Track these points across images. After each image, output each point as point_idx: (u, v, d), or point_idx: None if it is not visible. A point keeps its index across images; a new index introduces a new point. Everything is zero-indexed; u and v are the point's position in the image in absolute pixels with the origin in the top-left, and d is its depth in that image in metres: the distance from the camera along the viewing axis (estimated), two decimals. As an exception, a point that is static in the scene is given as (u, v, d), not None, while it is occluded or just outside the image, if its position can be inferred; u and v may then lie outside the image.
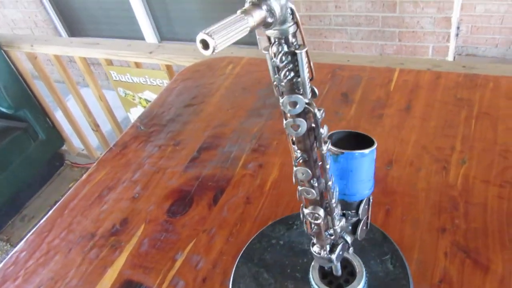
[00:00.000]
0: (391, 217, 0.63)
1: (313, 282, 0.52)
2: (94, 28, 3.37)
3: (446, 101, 0.80)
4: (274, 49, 0.33)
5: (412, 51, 1.79)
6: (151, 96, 1.38)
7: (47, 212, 0.79)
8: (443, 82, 0.84)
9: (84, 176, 0.84)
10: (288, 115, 0.38)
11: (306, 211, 0.45)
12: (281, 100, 0.37)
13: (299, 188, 0.43)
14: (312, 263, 0.54)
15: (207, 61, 1.09)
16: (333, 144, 0.43)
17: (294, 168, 0.42)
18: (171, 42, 3.03)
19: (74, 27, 3.54)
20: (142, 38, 3.10)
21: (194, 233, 0.68)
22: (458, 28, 2.02)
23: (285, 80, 0.35)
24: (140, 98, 1.39)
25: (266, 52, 0.34)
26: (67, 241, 0.72)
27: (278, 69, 0.34)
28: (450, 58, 1.90)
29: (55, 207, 0.78)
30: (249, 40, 2.53)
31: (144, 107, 1.42)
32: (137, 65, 1.32)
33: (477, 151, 0.69)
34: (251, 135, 0.83)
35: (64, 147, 1.98)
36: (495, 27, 2.07)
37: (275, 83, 0.35)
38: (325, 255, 0.48)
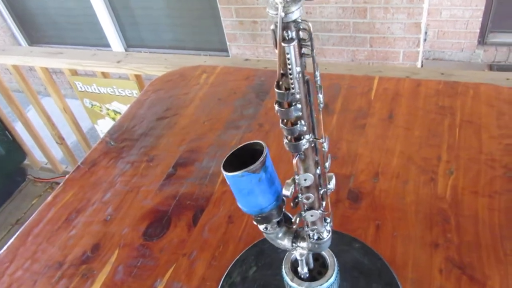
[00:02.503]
0: (382, 233, 0.60)
1: (286, 277, 0.49)
2: (56, 35, 3.23)
3: (428, 109, 0.78)
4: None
5: (384, 57, 1.80)
6: (120, 107, 1.32)
7: (9, 237, 0.72)
8: (424, 90, 0.83)
9: (49, 198, 0.77)
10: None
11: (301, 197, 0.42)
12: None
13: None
14: (285, 257, 0.51)
15: (179, 70, 1.05)
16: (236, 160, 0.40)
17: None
18: (137, 49, 2.95)
19: (34, 34, 3.38)
20: (108, 45, 3.00)
21: (173, 257, 0.63)
22: (426, 33, 2.06)
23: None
24: (108, 109, 1.32)
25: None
26: (31, 272, 0.65)
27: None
28: (419, 63, 1.93)
29: (16, 234, 0.71)
30: (220, 47, 2.49)
31: (113, 118, 1.36)
32: (104, 75, 1.26)
33: (463, 160, 0.68)
34: (230, 148, 0.79)
35: (26, 161, 1.88)
36: (461, 31, 2.12)
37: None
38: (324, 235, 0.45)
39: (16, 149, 1.74)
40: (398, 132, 0.75)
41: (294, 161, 0.37)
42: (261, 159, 0.38)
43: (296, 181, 0.39)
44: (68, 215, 0.73)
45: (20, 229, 0.72)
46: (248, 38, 2.06)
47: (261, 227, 0.45)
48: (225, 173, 0.38)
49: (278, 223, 0.45)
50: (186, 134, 0.85)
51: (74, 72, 1.32)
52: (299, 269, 0.50)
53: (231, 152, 0.39)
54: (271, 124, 0.83)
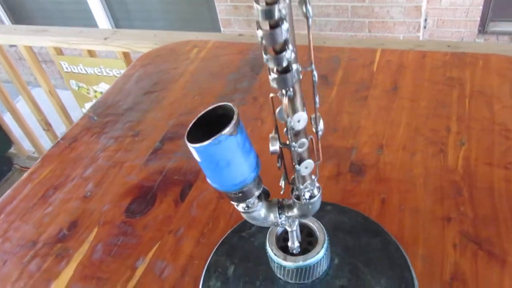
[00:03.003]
0: (388, 207, 0.55)
1: (277, 259, 0.44)
2: (41, 15, 3.10)
3: (435, 80, 0.73)
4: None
5: (383, 43, 1.75)
6: (107, 88, 1.25)
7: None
8: (430, 61, 0.78)
9: (25, 174, 0.71)
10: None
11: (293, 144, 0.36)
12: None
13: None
14: (267, 238, 0.45)
15: (169, 45, 0.98)
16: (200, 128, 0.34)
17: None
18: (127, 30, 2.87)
19: (19, 15, 3.26)
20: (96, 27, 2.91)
21: (158, 235, 0.57)
22: (425, 20, 2.01)
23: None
24: (96, 91, 1.26)
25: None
26: (1, 251, 0.59)
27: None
28: (418, 51, 1.88)
29: (-14, 211, 0.65)
30: (212, 26, 2.41)
31: (101, 102, 1.29)
32: (91, 53, 1.19)
33: (475, 131, 0.63)
34: (222, 122, 0.73)
35: (12, 150, 1.80)
36: (461, 20, 2.07)
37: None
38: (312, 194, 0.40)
39: (1, 138, 1.67)
40: (403, 104, 0.70)
41: (285, 100, 0.32)
42: (235, 117, 0.32)
43: (289, 124, 0.33)
44: (45, 191, 0.67)
45: (-8, 207, 0.66)
46: (243, 24, 1.99)
47: (241, 206, 0.39)
48: (194, 146, 0.31)
49: (259, 197, 0.39)
50: (175, 108, 0.79)
51: (60, 52, 1.26)
52: (289, 244, 0.44)
53: (192, 123, 0.33)
54: (266, 97, 0.77)
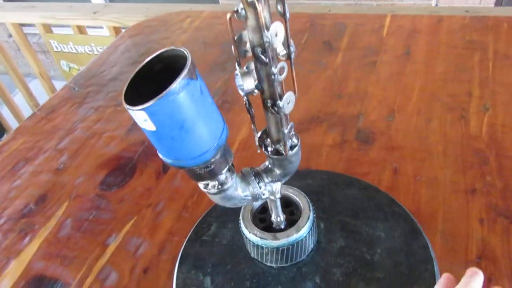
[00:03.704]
0: (401, 178, 0.47)
1: (243, 227, 0.36)
2: None
3: (453, 44, 0.65)
4: None
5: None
6: (100, 69, 1.18)
7: None
8: (446, 25, 0.70)
9: (-5, 146, 0.64)
10: None
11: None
12: None
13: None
14: (242, 210, 0.38)
15: (160, 16, 0.91)
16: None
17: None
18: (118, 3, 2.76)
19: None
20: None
21: (134, 209, 0.50)
22: None
23: None
24: (87, 72, 1.18)
25: None
26: (-41, 227, 0.52)
27: None
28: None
29: None
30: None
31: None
32: (81, 30, 1.12)
33: (500, 96, 0.55)
34: (214, 90, 0.65)
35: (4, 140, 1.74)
36: None
37: None
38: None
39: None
40: (417, 68, 0.62)
41: (259, 7, 0.24)
42: (189, 59, 0.25)
43: (266, 39, 0.25)
44: (14, 164, 0.60)
45: (-45, 181, 0.59)
46: None
47: (212, 185, 0.31)
48: (143, 107, 0.23)
49: (230, 170, 0.31)
50: (163, 77, 0.71)
51: (49, 29, 1.19)
52: (273, 219, 0.36)
53: (128, 82, 0.25)
54: (264, 64, 0.69)
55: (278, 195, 0.35)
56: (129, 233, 0.47)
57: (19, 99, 1.99)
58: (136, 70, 0.26)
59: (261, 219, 0.38)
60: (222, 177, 0.30)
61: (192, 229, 0.43)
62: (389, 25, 0.72)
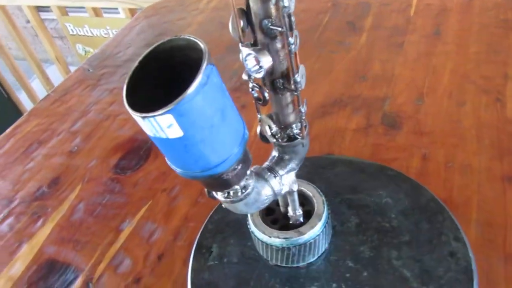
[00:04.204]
0: (431, 164, 0.44)
1: (261, 234, 0.33)
2: None
3: (486, 23, 0.61)
4: None
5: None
6: (115, 52, 1.17)
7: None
8: (478, 3, 0.66)
9: (9, 129, 0.63)
10: None
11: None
12: None
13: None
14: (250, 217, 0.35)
15: (177, -3, 0.89)
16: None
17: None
18: None
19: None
20: None
21: (149, 193, 0.48)
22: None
23: None
24: (103, 56, 1.17)
25: None
26: (-28, 210, 0.51)
27: None
28: None
29: (-42, 164, 0.57)
30: None
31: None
32: (96, 13, 1.11)
33: (539, 77, 0.51)
34: (231, 72, 0.63)
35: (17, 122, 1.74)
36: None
37: None
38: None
39: (11, 109, 1.61)
40: (447, 49, 0.58)
41: None
42: (202, 43, 0.21)
43: (283, 4, 0.23)
44: (27, 146, 0.59)
45: (-32, 162, 0.58)
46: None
47: (236, 191, 0.27)
48: (166, 109, 0.19)
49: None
50: (179, 59, 0.69)
51: (64, 12, 1.18)
52: (290, 211, 0.33)
53: (128, 80, 0.22)
54: (284, 45, 0.66)
55: (296, 186, 0.32)
56: (143, 218, 0.45)
57: (36, 84, 2.01)
58: (130, 73, 0.22)
59: (272, 220, 0.35)
60: (246, 180, 0.27)
61: (192, 256, 0.39)
62: (416, 3, 0.68)
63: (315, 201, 0.34)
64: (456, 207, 0.39)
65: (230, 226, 0.40)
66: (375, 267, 0.34)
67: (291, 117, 0.30)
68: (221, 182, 0.25)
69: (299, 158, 0.32)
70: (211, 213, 0.42)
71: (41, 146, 0.58)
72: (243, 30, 0.25)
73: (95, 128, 0.59)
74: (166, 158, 0.25)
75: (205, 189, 0.29)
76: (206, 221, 0.41)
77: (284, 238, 0.32)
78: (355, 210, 0.39)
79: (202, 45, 0.21)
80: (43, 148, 0.58)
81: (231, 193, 0.27)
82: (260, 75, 0.25)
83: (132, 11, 1.02)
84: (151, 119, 0.20)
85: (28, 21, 2.79)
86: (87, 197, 0.49)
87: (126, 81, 0.22)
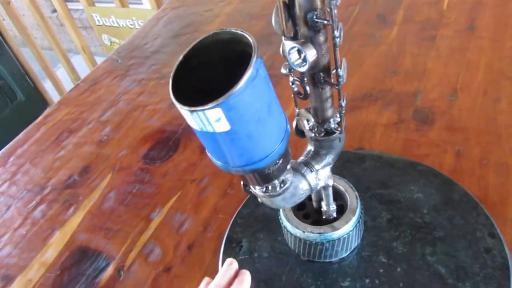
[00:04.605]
0: (465, 161, 0.43)
1: (295, 230, 0.33)
2: None
3: (523, 17, 0.59)
4: None
5: None
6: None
7: None
8: (515, -3, 0.64)
9: (40, 117, 0.64)
10: None
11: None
12: None
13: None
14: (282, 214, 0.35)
15: (204, -12, 0.88)
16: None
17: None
18: None
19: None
20: None
21: (179, 184, 0.48)
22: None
23: None
24: (128, 46, 1.18)
25: None
26: (6, 195, 0.52)
27: None
28: None
29: (-8, 151, 0.58)
30: None
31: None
32: (122, 3, 1.12)
33: None
34: (259, 64, 0.63)
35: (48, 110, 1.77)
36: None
37: None
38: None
39: (36, 97, 1.64)
40: (482, 44, 0.56)
41: None
42: (250, 36, 0.21)
43: None
44: (58, 135, 0.60)
45: (1, 150, 0.60)
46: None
47: (274, 185, 0.27)
48: (216, 103, 0.19)
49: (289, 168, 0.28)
50: (207, 50, 0.69)
51: (91, 2, 1.19)
52: (323, 206, 0.33)
53: (173, 74, 0.22)
54: (312, 38, 0.66)
55: (331, 181, 0.32)
56: (173, 208, 0.45)
57: (61, 73, 2.03)
58: (175, 67, 0.23)
59: (304, 215, 0.34)
60: (283, 175, 0.27)
61: (222, 249, 0.39)
62: (450, -3, 0.67)
63: (348, 196, 0.34)
64: (492, 205, 0.38)
65: (259, 220, 0.40)
66: (408, 263, 0.34)
67: (330, 112, 0.30)
68: (262, 177, 0.25)
69: (335, 153, 0.31)
70: (240, 207, 0.42)
71: (71, 135, 0.59)
72: (286, 24, 0.25)
73: (125, 118, 0.59)
74: (208, 152, 0.25)
75: (242, 183, 0.29)
76: (235, 215, 0.42)
77: (318, 233, 0.32)
78: (386, 205, 0.39)
79: (250, 39, 0.21)
80: (74, 137, 0.59)
81: (270, 187, 0.27)
82: (304, 69, 0.25)
83: (158, 2, 1.02)
84: (200, 113, 0.20)
85: (53, 11, 2.82)
86: (117, 186, 0.50)
87: (172, 74, 0.22)
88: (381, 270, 0.33)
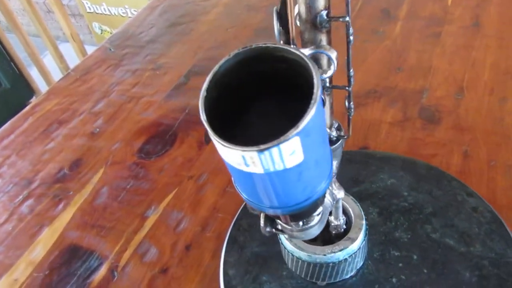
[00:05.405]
0: (472, 162, 0.42)
1: (298, 252, 0.30)
2: None
3: (529, 16, 0.58)
4: None
5: None
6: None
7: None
8: (520, -5, 0.62)
9: (28, 107, 0.61)
10: None
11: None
12: None
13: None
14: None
15: (200, -23, 0.86)
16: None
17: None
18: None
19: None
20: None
21: (175, 180, 0.46)
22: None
23: None
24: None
25: None
26: (-8, 189, 0.50)
27: None
28: None
29: (-22, 141, 0.55)
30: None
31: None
32: (115, -9, 1.08)
33: None
34: (259, 57, 0.61)
35: (34, 100, 1.73)
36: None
37: None
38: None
39: (22, 85, 1.59)
40: (488, 42, 0.55)
41: None
42: (310, 64, 0.18)
43: None
44: (47, 126, 0.57)
45: (-13, 140, 0.57)
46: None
47: (314, 219, 0.25)
48: (295, 132, 0.16)
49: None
50: (204, 41, 0.67)
51: (82, -11, 1.15)
52: (332, 221, 0.31)
53: (206, 89, 0.19)
54: (314, 31, 0.64)
55: (342, 192, 0.30)
56: (169, 206, 0.43)
57: (48, 61, 1.98)
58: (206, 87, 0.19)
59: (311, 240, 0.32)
60: (320, 210, 0.25)
61: (224, 252, 0.37)
62: (454, -7, 0.65)
63: (347, 206, 0.32)
64: (500, 208, 0.37)
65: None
66: (420, 247, 0.34)
67: (329, 120, 0.27)
68: (313, 207, 0.22)
69: (338, 159, 0.29)
70: (240, 208, 0.40)
71: (61, 126, 0.56)
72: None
73: (118, 110, 0.57)
74: (249, 199, 0.22)
75: (262, 224, 0.26)
76: (236, 216, 0.40)
77: (340, 251, 0.29)
78: (368, 201, 0.38)
79: (309, 62, 0.18)
80: (64, 129, 0.56)
81: (309, 220, 0.25)
82: (330, 73, 0.23)
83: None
84: (274, 149, 0.16)
85: (40, -3, 2.75)
86: (110, 181, 0.47)
87: (202, 103, 0.19)
88: (400, 265, 0.32)
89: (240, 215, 0.39)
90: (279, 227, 0.26)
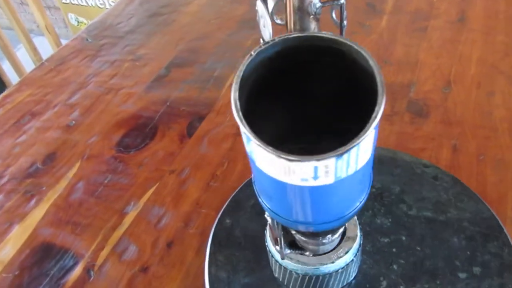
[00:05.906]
0: (462, 156, 0.41)
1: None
2: None
3: (513, 12, 0.58)
4: None
5: None
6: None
7: None
8: (504, -9, 0.63)
9: (-1, 97, 0.58)
10: None
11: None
12: None
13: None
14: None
15: (182, -32, 0.83)
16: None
17: None
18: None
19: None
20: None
21: (156, 175, 0.44)
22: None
23: None
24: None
25: None
26: (-42, 184, 0.46)
27: None
28: None
29: None
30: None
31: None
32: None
33: None
34: (243, 49, 0.59)
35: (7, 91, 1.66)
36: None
37: None
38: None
39: (-6, 80, 1.53)
40: (473, 37, 0.55)
41: None
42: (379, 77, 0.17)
43: None
44: (19, 118, 0.54)
45: (-47, 132, 0.53)
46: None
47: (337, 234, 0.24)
48: (350, 146, 0.15)
49: None
50: (186, 32, 0.65)
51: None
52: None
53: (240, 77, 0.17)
54: (299, 24, 0.63)
55: None
56: (149, 202, 0.41)
57: (22, 54, 1.91)
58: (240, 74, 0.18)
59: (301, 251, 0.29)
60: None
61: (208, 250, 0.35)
62: (439, -12, 0.65)
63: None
64: (491, 202, 0.37)
65: (248, 215, 0.37)
66: (404, 227, 0.34)
67: None
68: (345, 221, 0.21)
69: None
70: (226, 204, 0.38)
71: (34, 118, 0.53)
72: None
73: (95, 102, 0.54)
74: (278, 213, 0.20)
75: (277, 243, 0.24)
76: (221, 211, 0.38)
77: (346, 253, 0.28)
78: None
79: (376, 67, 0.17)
80: (37, 121, 0.53)
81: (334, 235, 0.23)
82: None
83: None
84: (352, 150, 0.15)
85: (14, -11, 2.66)
86: (86, 176, 0.45)
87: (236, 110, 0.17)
88: (394, 250, 0.32)
89: (225, 210, 0.37)
90: (298, 244, 0.24)
